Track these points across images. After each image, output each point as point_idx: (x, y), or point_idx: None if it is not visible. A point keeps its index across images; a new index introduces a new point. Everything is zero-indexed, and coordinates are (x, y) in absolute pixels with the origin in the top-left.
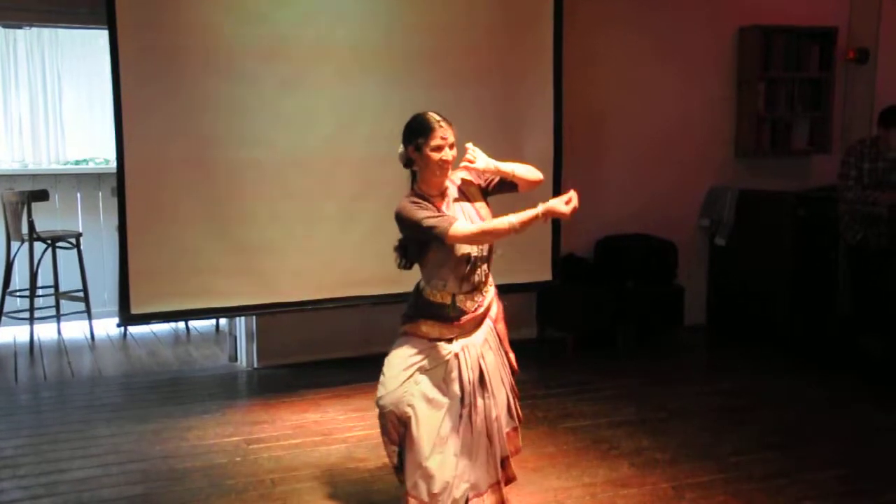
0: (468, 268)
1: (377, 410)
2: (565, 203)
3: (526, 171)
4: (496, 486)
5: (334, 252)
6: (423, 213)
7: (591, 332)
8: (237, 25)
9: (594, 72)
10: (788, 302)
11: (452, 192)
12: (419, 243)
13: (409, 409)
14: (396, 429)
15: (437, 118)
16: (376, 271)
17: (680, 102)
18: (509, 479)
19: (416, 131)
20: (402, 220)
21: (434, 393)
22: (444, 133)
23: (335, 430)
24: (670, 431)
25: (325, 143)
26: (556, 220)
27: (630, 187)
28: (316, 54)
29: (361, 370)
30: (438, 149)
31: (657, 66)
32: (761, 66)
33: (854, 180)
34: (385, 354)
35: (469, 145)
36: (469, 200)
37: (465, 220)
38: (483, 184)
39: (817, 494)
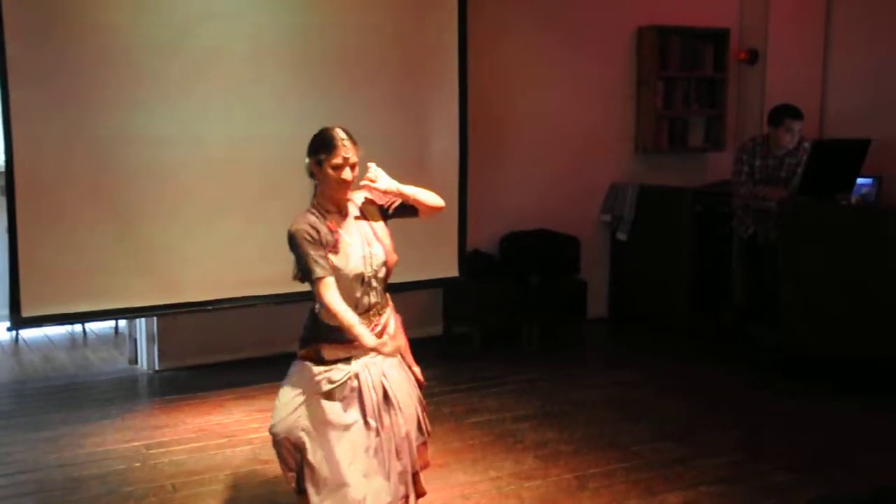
0: (362, 289)
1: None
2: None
3: (427, 197)
4: (404, 501)
5: (236, 251)
6: (310, 251)
7: (496, 326)
8: (134, 22)
9: (498, 70)
10: (686, 294)
11: (353, 210)
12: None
13: (302, 434)
14: (293, 455)
15: (343, 136)
16: (279, 270)
17: (582, 100)
18: (420, 495)
19: (319, 146)
20: (291, 244)
21: (332, 416)
22: (346, 152)
23: (239, 431)
24: (574, 423)
25: (226, 142)
26: (461, 216)
27: (534, 184)
28: (215, 52)
29: (266, 370)
30: (338, 168)
31: (559, 64)
32: (659, 66)
33: (746, 176)
34: (290, 354)
35: (371, 165)
36: (367, 220)
37: (361, 243)
38: (384, 205)
39: (712, 479)
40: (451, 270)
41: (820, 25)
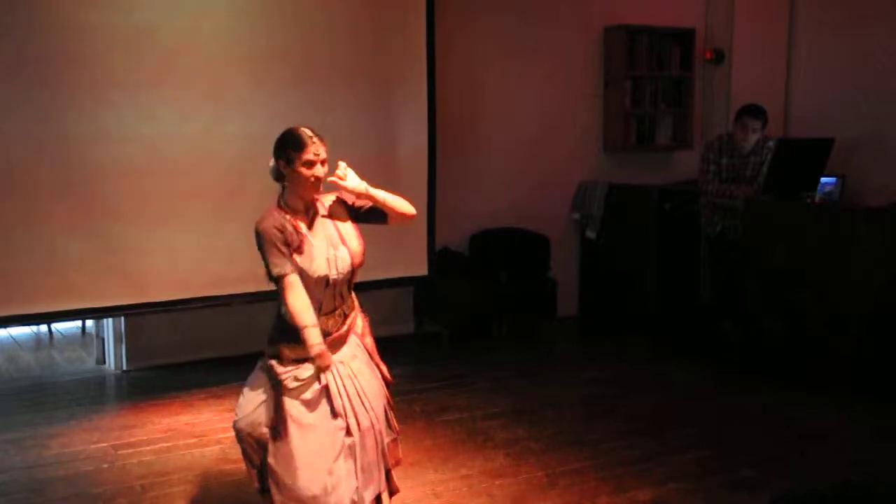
0: (326, 291)
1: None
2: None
3: (398, 203)
4: (377, 499)
5: (205, 250)
6: (274, 249)
7: (466, 325)
8: (100, 17)
9: (466, 69)
10: (654, 292)
11: (321, 211)
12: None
13: (266, 432)
14: (256, 452)
15: (310, 134)
16: (248, 270)
17: (550, 99)
18: (393, 492)
19: (288, 146)
20: (258, 242)
21: (297, 413)
22: (316, 149)
23: (209, 431)
24: (544, 421)
25: (194, 140)
26: (430, 215)
27: (503, 182)
28: (182, 49)
29: (236, 370)
30: (310, 165)
31: (528, 64)
32: (626, 65)
33: (713, 174)
34: (259, 353)
35: (341, 164)
36: (334, 219)
37: (327, 245)
38: (353, 205)
39: (680, 476)
40: (421, 269)
41: (784, 26)
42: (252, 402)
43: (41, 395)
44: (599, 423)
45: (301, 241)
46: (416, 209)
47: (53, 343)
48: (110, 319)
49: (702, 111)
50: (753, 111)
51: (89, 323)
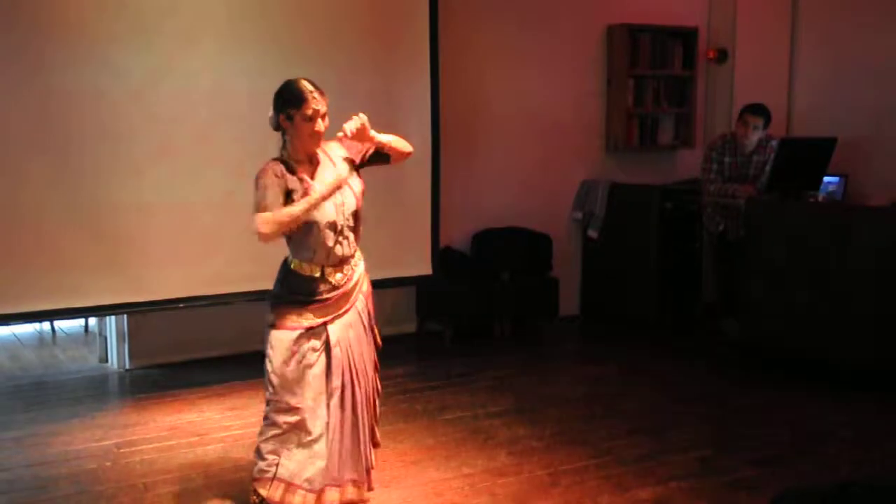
0: (336, 237)
1: (265, 414)
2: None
3: (398, 144)
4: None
5: (209, 248)
6: (263, 192)
7: (469, 324)
8: (99, 13)
9: (469, 68)
10: (656, 290)
11: (325, 161)
12: None
13: (296, 412)
14: (285, 445)
15: (311, 88)
16: (252, 268)
17: (553, 98)
18: (376, 445)
19: (288, 101)
20: (256, 184)
21: (319, 385)
22: (317, 105)
23: (211, 429)
24: (546, 420)
25: (196, 136)
26: (434, 214)
27: (505, 182)
28: (184, 45)
29: (238, 368)
30: (310, 120)
31: (530, 62)
32: (629, 64)
33: (715, 174)
34: (261, 352)
35: (361, 116)
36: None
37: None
38: (357, 159)
39: (682, 475)
40: (425, 268)
41: (786, 25)
42: (284, 386)
43: (44, 394)
44: (601, 422)
45: (306, 189)
46: (420, 209)
47: (56, 341)
48: (113, 318)
49: (704, 110)
50: (754, 108)
51: (92, 321)
